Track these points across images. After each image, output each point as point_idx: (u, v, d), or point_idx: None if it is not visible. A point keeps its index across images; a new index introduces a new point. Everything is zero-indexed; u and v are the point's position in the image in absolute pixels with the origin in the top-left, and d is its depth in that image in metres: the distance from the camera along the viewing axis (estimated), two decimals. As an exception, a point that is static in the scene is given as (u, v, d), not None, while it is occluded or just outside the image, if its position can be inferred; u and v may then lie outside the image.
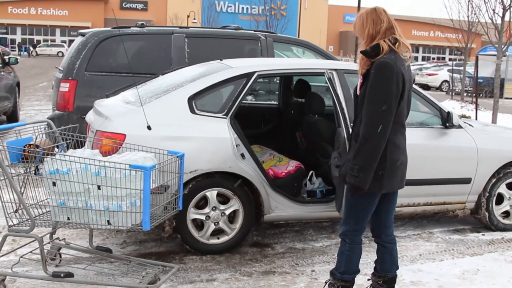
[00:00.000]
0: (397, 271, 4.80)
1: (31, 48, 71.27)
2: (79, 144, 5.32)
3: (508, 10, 16.51)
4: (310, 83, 7.40)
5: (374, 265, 4.85)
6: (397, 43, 4.27)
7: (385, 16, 4.31)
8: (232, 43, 9.29)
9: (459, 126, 6.73)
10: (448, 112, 6.64)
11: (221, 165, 5.69)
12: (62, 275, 4.67)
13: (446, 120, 6.62)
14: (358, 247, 4.59)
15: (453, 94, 30.12)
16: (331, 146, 6.15)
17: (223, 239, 5.91)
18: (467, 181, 6.75)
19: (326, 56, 9.86)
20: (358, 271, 4.66)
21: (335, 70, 6.16)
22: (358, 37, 4.45)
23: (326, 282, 4.77)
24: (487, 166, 6.82)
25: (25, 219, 4.67)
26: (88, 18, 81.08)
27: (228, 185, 5.79)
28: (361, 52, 4.33)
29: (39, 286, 4.98)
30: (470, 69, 32.89)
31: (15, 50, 71.00)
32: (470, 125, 7.00)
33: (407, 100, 4.35)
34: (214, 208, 5.77)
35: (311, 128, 6.87)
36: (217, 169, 5.70)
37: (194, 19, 65.34)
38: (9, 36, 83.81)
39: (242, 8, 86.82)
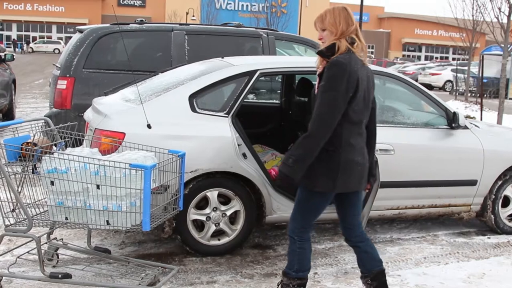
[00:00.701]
0: (385, 266, 4.84)
1: (25, 45, 71.16)
2: (78, 143, 5.30)
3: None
4: (313, 82, 7.39)
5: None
6: (355, 44, 4.33)
7: (353, 18, 4.45)
8: (233, 41, 9.28)
9: (465, 127, 6.72)
10: (454, 113, 6.63)
11: (222, 165, 5.67)
12: (59, 276, 4.65)
13: (452, 121, 6.62)
14: (307, 243, 4.62)
15: (457, 94, 30.14)
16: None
17: (224, 240, 5.90)
18: (472, 183, 6.74)
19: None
20: (310, 268, 4.67)
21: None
22: (320, 29, 4.46)
23: (278, 285, 4.78)
24: (493, 167, 6.81)
25: (22, 219, 4.65)
26: (85, 14, 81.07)
27: (229, 186, 5.78)
28: (316, 52, 4.44)
29: (36, 287, 4.97)
30: (474, 69, 32.89)
31: (10, 47, 70.89)
32: (476, 126, 7.00)
33: (364, 100, 4.38)
34: (215, 209, 5.76)
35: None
36: (218, 169, 5.69)
37: (193, 16, 65.32)
38: (5, 33, 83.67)
39: (242, 5, 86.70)
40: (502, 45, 17.52)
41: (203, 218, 5.76)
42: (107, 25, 9.19)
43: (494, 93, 31.30)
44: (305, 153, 4.21)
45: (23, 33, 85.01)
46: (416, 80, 32.93)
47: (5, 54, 14.80)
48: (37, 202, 4.87)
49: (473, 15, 25.99)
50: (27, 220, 4.52)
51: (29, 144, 4.84)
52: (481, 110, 18.10)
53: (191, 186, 5.62)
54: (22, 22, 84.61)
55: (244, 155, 5.74)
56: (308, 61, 7.54)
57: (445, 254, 6.35)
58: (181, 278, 5.32)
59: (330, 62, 4.26)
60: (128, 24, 9.20)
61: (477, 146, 6.70)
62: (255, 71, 6.04)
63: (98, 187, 4.44)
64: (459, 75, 32.34)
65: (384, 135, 6.22)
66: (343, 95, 4.18)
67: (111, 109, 5.88)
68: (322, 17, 4.43)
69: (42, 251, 4.77)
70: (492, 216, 6.96)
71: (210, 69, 6.25)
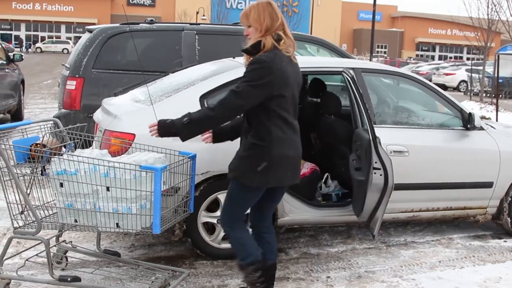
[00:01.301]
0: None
1: (31, 44, 71.44)
2: (87, 144, 5.30)
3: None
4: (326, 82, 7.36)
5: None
6: (282, 41, 4.37)
7: (279, 13, 4.48)
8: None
9: (481, 128, 6.68)
10: (470, 113, 6.59)
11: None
12: (68, 279, 4.65)
13: (467, 122, 6.58)
14: (242, 230, 4.68)
15: (472, 94, 30.02)
16: (347, 148, 6.13)
17: (235, 243, 5.88)
18: (488, 185, 6.70)
19: (341, 54, 9.82)
20: (260, 250, 4.68)
21: (353, 69, 6.13)
22: (246, 26, 4.50)
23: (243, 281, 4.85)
24: (510, 169, 6.76)
25: (31, 221, 4.66)
26: (94, 14, 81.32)
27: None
28: (242, 51, 4.50)
29: (44, 291, 4.97)
30: (489, 69, 32.76)
31: (18, 47, 71.14)
32: (491, 126, 6.96)
33: (293, 97, 4.46)
34: (226, 211, 5.75)
35: (327, 129, 6.83)
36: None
37: (204, 15, 65.33)
38: (13, 32, 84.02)
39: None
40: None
41: (214, 220, 5.75)
42: (117, 24, 9.20)
43: (509, 94, 31.22)
44: (200, 123, 4.39)
45: (32, 33, 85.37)
46: (430, 80, 32.80)
47: (13, 54, 14.85)
48: (46, 204, 4.88)
49: (488, 14, 25.93)
50: (36, 222, 4.52)
51: (38, 145, 4.84)
52: (497, 111, 18.02)
53: (202, 188, 5.61)
54: (31, 22, 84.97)
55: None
56: (321, 61, 7.55)
57: (461, 257, 6.31)
58: (191, 282, 5.32)
59: (252, 60, 4.35)
60: (138, 23, 9.20)
61: (493, 148, 6.66)
62: (267, 71, 6.00)
63: (108, 189, 4.44)
64: (473, 75, 32.20)
65: (398, 137, 6.22)
66: (257, 90, 4.25)
67: (121, 110, 5.88)
68: (246, 13, 4.48)
69: (51, 253, 4.76)
70: (509, 219, 6.91)
71: (221, 69, 6.24)
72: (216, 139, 4.88)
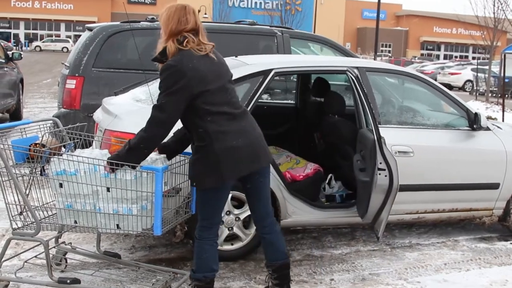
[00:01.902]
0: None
1: (25, 42, 71.63)
2: (87, 144, 5.30)
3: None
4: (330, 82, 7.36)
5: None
6: (185, 40, 4.34)
7: (192, 17, 4.41)
8: (247, 39, 9.26)
9: (487, 128, 6.66)
10: (476, 113, 6.57)
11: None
12: (68, 281, 4.65)
13: (473, 122, 6.55)
14: (207, 242, 4.64)
15: (477, 94, 29.97)
16: (352, 148, 6.12)
17: (237, 245, 5.89)
18: (495, 186, 6.68)
19: (345, 53, 9.82)
20: (213, 270, 4.68)
21: (357, 68, 6.12)
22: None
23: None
24: (517, 170, 6.75)
25: (30, 222, 4.66)
26: (94, 12, 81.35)
27: (243, 188, 5.74)
28: (152, 60, 4.48)
29: (44, 293, 4.97)
30: (495, 68, 32.71)
31: (17, 45, 71.20)
32: (498, 127, 6.95)
33: (221, 88, 4.44)
34: (228, 213, 5.75)
35: (330, 129, 6.82)
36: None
37: (205, 14, 65.33)
38: (12, 31, 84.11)
39: (255, 2, 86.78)
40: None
41: (216, 222, 5.73)
42: (117, 23, 9.20)
43: (516, 94, 31.15)
44: (139, 147, 4.34)
45: (31, 31, 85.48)
46: (435, 80, 32.83)
47: (12, 53, 14.87)
48: (45, 205, 4.89)
49: (494, 13, 25.89)
50: (35, 223, 4.52)
51: (37, 145, 4.85)
52: (503, 111, 17.97)
53: (203, 189, 5.59)
54: (30, 20, 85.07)
55: (258, 157, 5.71)
56: (324, 60, 7.55)
57: (466, 260, 6.30)
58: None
59: (161, 68, 4.36)
60: (139, 22, 9.20)
61: (500, 148, 6.65)
62: (270, 70, 6.01)
63: (108, 189, 4.44)
64: (479, 74, 32.14)
65: (403, 137, 6.21)
66: (176, 96, 4.26)
67: (121, 110, 5.88)
68: (160, 14, 4.49)
69: (50, 255, 4.76)
70: (515, 221, 6.91)
71: (223, 68, 6.22)
72: (166, 154, 4.80)
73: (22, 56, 15.40)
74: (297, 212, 5.97)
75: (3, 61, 13.97)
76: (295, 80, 8.33)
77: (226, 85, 4.48)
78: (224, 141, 4.35)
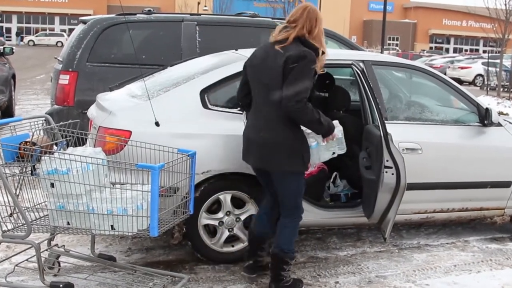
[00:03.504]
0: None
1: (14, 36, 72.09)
2: (80, 142, 5.27)
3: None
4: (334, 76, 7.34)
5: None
6: None
7: None
8: (248, 32, 9.24)
9: (499, 124, 6.64)
10: (487, 109, 6.54)
11: (236, 166, 5.62)
12: (61, 285, 4.65)
13: (484, 118, 6.52)
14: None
15: (488, 89, 29.96)
16: (357, 145, 6.09)
17: (238, 247, 5.86)
18: (507, 184, 6.66)
19: (351, 46, 9.79)
20: None
21: (363, 61, 6.09)
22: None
23: None
24: (530, 168, 6.72)
25: (20, 224, 4.65)
26: (89, 5, 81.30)
27: (244, 188, 5.74)
28: None
29: (35, 297, 4.96)
30: (506, 62, 32.69)
31: (10, 40, 71.25)
32: (510, 123, 6.92)
33: None
34: (228, 213, 5.73)
35: (335, 125, 6.79)
36: (232, 170, 5.64)
37: (205, 6, 65.44)
38: (5, 25, 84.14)
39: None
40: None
41: (216, 223, 5.73)
42: (113, 15, 9.17)
43: (528, 88, 31.13)
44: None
45: (24, 25, 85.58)
46: (445, 74, 32.81)
47: (3, 48, 14.85)
48: (36, 206, 4.86)
49: (506, 4, 25.88)
50: (25, 225, 4.51)
51: (28, 143, 4.81)
52: (515, 106, 17.99)
53: (202, 188, 5.58)
54: (23, 14, 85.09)
55: (259, 155, 5.71)
56: (329, 53, 7.50)
57: (477, 261, 6.29)
58: (192, 288, 5.31)
59: None
60: (135, 14, 9.19)
61: (512, 145, 6.63)
62: (272, 64, 5.98)
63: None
64: (490, 68, 32.09)
65: (411, 133, 6.18)
66: None
67: (116, 106, 5.86)
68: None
69: (42, 258, 4.77)
70: (528, 220, 6.89)
71: (223, 62, 6.22)
72: None
73: (13, 51, 15.38)
74: (300, 212, 5.95)
75: (-6, 56, 13.98)
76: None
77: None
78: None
